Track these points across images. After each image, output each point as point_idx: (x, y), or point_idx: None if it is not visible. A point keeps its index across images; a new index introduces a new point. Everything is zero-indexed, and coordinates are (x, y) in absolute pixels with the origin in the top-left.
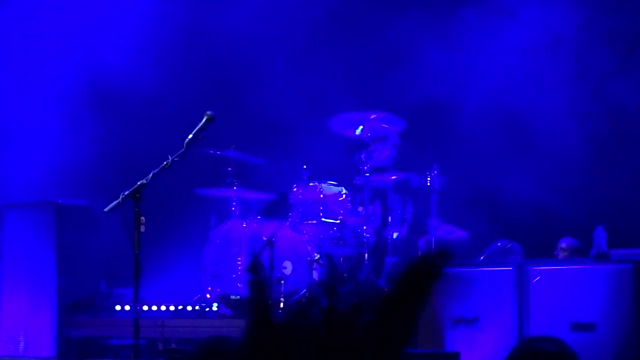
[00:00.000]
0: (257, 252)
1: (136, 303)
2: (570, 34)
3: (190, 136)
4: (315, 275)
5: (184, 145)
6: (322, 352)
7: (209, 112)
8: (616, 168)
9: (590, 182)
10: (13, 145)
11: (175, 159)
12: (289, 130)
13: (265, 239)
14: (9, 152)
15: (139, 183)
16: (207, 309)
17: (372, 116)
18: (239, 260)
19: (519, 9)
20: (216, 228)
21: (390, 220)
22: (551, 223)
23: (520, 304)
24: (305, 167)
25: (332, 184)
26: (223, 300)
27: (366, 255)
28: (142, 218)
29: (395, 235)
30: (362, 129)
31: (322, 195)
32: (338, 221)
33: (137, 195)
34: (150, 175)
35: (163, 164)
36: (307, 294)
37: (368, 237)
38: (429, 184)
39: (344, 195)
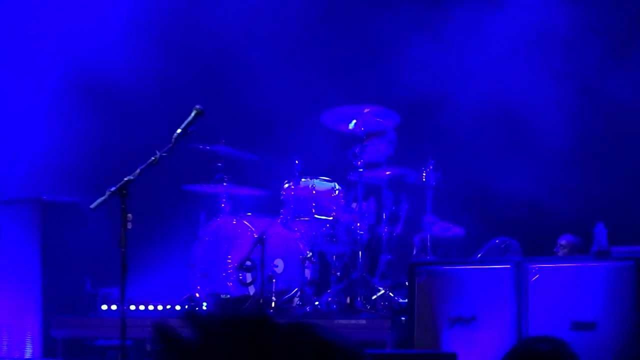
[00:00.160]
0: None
1: (123, 303)
2: (563, 27)
3: (179, 130)
4: (307, 273)
5: (173, 139)
6: None
7: (198, 106)
8: (615, 163)
9: (590, 177)
10: None
11: (164, 154)
12: (281, 125)
13: (256, 236)
14: None
15: (125, 179)
16: (197, 309)
17: (366, 110)
18: (229, 259)
19: (511, 2)
20: (205, 225)
21: (384, 217)
22: (550, 219)
23: (519, 303)
24: (297, 162)
25: (325, 180)
26: (213, 300)
27: (360, 253)
28: (129, 215)
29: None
30: (355, 123)
31: (314, 192)
32: (331, 218)
33: (124, 191)
34: (138, 170)
35: (151, 159)
36: (298, 292)
37: (362, 234)
38: (424, 179)
39: (337, 192)
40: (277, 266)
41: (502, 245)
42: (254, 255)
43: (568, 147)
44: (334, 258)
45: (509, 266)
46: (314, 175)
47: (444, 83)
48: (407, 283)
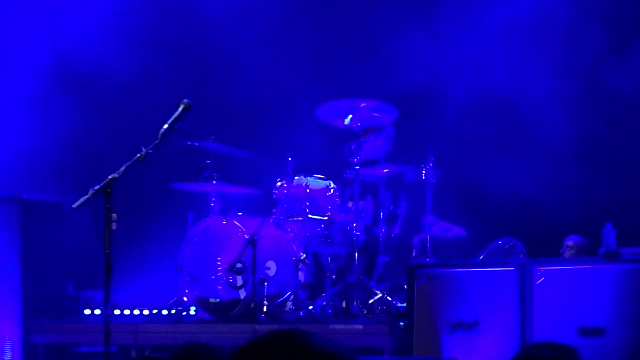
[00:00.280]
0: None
1: (107, 307)
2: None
3: (166, 126)
4: (301, 276)
5: (159, 135)
6: None
7: (185, 100)
8: (623, 161)
9: (598, 175)
10: None
11: (150, 151)
12: (273, 120)
13: (247, 237)
14: None
15: (110, 177)
16: (184, 313)
17: (363, 104)
18: (218, 261)
19: None
20: (194, 225)
21: (382, 216)
22: (556, 219)
23: (523, 307)
24: (290, 159)
25: (319, 178)
26: (201, 304)
27: (356, 254)
28: (114, 215)
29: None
30: (351, 118)
31: (308, 190)
32: (326, 218)
33: (108, 190)
34: (123, 168)
35: (136, 156)
36: (291, 296)
37: (358, 235)
38: (423, 177)
39: (332, 190)
40: (269, 268)
41: (506, 247)
42: (245, 257)
43: (574, 143)
44: (329, 260)
45: (512, 268)
46: (308, 173)
47: (444, 76)
48: (405, 286)
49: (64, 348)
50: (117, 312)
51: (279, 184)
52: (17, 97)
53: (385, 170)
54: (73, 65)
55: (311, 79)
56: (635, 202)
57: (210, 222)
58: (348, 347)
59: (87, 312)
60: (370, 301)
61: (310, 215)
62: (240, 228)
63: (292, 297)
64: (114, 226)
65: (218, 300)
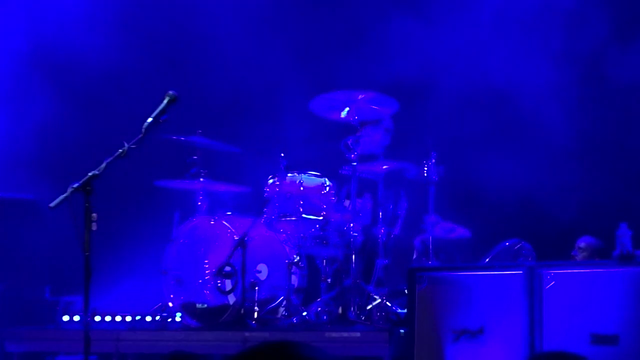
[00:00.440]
0: (228, 254)
1: (87, 313)
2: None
3: (150, 119)
4: (294, 280)
5: (143, 130)
6: None
7: (171, 92)
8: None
9: (610, 174)
10: None
11: (133, 146)
12: (264, 113)
13: (236, 238)
14: None
15: (90, 174)
16: (169, 320)
17: (360, 96)
18: (206, 263)
19: None
20: (180, 226)
21: (380, 216)
22: (568, 219)
23: (532, 314)
24: (282, 155)
25: (314, 175)
26: (188, 310)
27: (353, 257)
28: (94, 215)
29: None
30: (348, 111)
31: (302, 188)
32: (321, 218)
33: (88, 188)
34: (104, 164)
35: (118, 152)
36: (284, 301)
37: (355, 236)
38: (425, 174)
39: (327, 188)
40: (260, 272)
41: (513, 249)
42: (234, 259)
43: (585, 140)
44: (324, 263)
45: (520, 272)
46: (302, 170)
47: (446, 67)
48: (406, 291)
49: (41, 357)
50: (97, 318)
51: (270, 181)
52: None
53: (384, 167)
54: (51, 53)
55: (305, 69)
56: None
57: (197, 222)
58: (344, 357)
59: (66, 318)
60: (369, 307)
61: (304, 215)
62: (229, 228)
63: (284, 302)
64: (94, 227)
65: (205, 306)
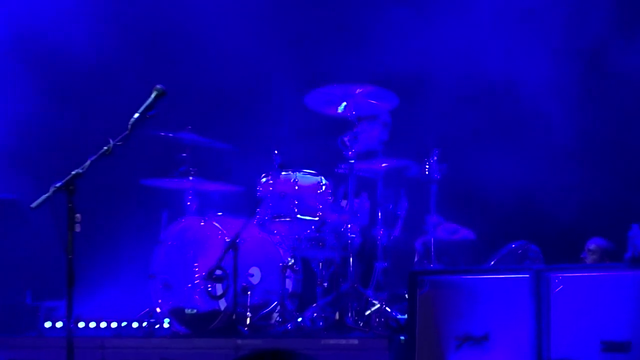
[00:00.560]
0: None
1: (70, 319)
2: None
3: (137, 115)
4: (288, 284)
5: (129, 126)
6: None
7: (159, 86)
8: None
9: (624, 174)
10: None
11: (118, 143)
12: (257, 108)
13: (227, 240)
14: None
15: (73, 173)
16: (157, 327)
17: (358, 90)
18: (195, 267)
19: None
20: (168, 227)
21: (380, 217)
22: (577, 220)
23: (539, 319)
24: (276, 152)
25: (309, 173)
26: (176, 316)
27: (351, 259)
28: (78, 215)
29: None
30: (345, 106)
31: (297, 187)
32: (316, 218)
33: (71, 187)
34: (88, 163)
35: (103, 150)
36: (278, 307)
37: (353, 237)
38: (427, 172)
39: (323, 187)
40: (252, 275)
41: (520, 251)
42: (226, 262)
43: (595, 140)
44: (320, 266)
45: (527, 275)
46: (297, 168)
47: (449, 60)
48: (406, 295)
49: None
50: (81, 325)
51: (263, 180)
52: None
53: (383, 165)
54: (33, 45)
55: (300, 62)
56: None
57: (187, 223)
58: None
59: (48, 325)
60: (367, 312)
61: (299, 216)
62: (220, 230)
63: (278, 308)
64: (77, 228)
65: (195, 311)
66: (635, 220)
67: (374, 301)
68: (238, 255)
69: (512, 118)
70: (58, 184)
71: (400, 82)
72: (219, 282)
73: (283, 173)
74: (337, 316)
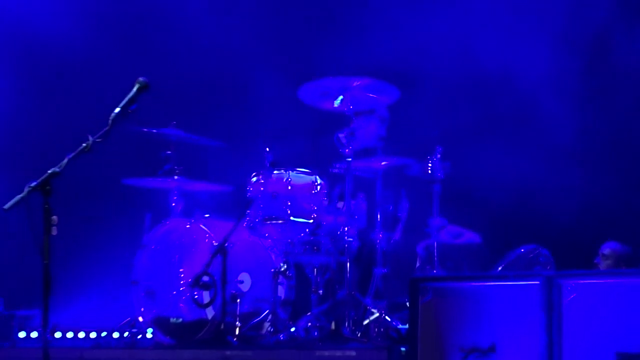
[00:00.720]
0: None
1: (46, 329)
2: None
3: (118, 110)
4: (281, 291)
5: (109, 121)
6: None
7: (141, 79)
8: None
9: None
10: None
11: (98, 140)
12: (247, 102)
13: (215, 244)
14: None
15: (49, 172)
16: (139, 337)
17: (356, 83)
18: (181, 273)
19: None
20: (151, 230)
21: (379, 219)
22: (590, 223)
23: (550, 330)
24: (267, 149)
25: (303, 172)
26: (160, 325)
27: (348, 265)
28: (54, 217)
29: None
30: (342, 100)
31: (290, 187)
32: (311, 221)
33: (48, 187)
34: (65, 161)
35: (81, 147)
36: (269, 316)
37: (350, 241)
38: (429, 171)
39: (318, 187)
40: (242, 282)
41: (529, 256)
42: (213, 268)
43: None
44: (315, 272)
45: (537, 282)
46: (290, 167)
47: (453, 52)
48: (408, 304)
49: None
50: (58, 335)
51: (254, 179)
52: None
53: (383, 163)
54: (9, 37)
55: (293, 53)
56: None
57: (171, 226)
58: None
59: (22, 335)
60: (365, 322)
61: (292, 218)
62: (207, 233)
63: (270, 317)
64: (54, 231)
65: (180, 320)
66: None
67: (372, 310)
68: (227, 261)
69: (522, 114)
70: (33, 184)
71: (400, 75)
72: (206, 289)
73: (275, 172)
74: (333, 326)
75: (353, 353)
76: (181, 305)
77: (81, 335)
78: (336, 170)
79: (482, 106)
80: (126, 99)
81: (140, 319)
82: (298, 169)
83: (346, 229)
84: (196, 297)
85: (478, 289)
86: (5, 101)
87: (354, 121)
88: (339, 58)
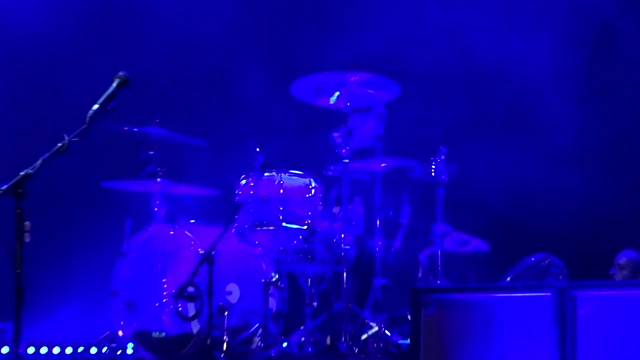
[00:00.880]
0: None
1: (18, 343)
2: None
3: (96, 107)
4: (272, 303)
5: (87, 119)
6: None
7: (121, 73)
8: None
9: None
10: None
11: (75, 139)
12: (236, 99)
13: (201, 252)
14: None
15: (22, 173)
16: (119, 352)
17: (353, 78)
18: (164, 283)
19: None
20: (132, 236)
21: (378, 225)
22: (606, 230)
23: (563, 344)
24: (258, 150)
25: (296, 175)
26: (142, 340)
27: (345, 274)
28: (27, 223)
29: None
30: (338, 97)
31: (282, 191)
32: (305, 227)
33: (20, 190)
34: (39, 161)
35: (57, 147)
36: (259, 330)
37: (347, 249)
38: (433, 174)
39: (313, 190)
40: (230, 293)
41: (541, 265)
42: (199, 278)
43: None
44: (309, 282)
45: (549, 294)
46: (282, 168)
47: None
48: (409, 317)
49: None
50: (31, 350)
51: (243, 182)
52: None
53: (382, 165)
54: None
55: (285, 46)
56: None
57: (154, 232)
58: None
59: None
60: (364, 336)
61: (284, 224)
62: (192, 240)
63: (260, 331)
64: (27, 237)
65: (163, 335)
66: None
67: (371, 323)
68: (213, 270)
69: (532, 114)
70: (4, 187)
71: (401, 70)
72: (191, 301)
73: (266, 174)
74: (328, 341)
75: None
76: (164, 318)
77: (56, 350)
78: (332, 173)
79: (489, 105)
80: (105, 95)
81: (120, 333)
82: (291, 171)
83: (343, 236)
84: (180, 309)
85: (485, 301)
86: None
87: (351, 119)
88: (335, 51)
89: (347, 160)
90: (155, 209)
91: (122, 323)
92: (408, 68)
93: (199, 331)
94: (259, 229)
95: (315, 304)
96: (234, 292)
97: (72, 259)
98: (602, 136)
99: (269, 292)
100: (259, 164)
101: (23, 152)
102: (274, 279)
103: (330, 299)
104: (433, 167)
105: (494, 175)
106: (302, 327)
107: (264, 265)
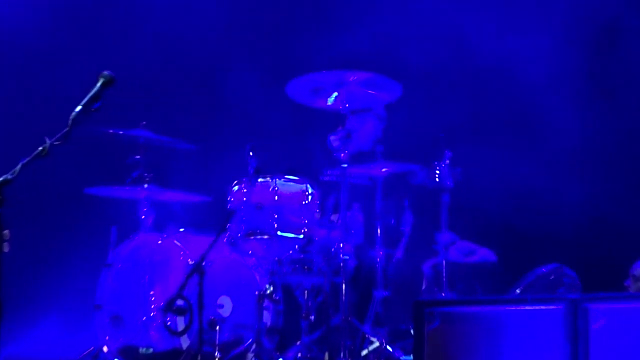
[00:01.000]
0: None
1: None
2: None
3: (79, 108)
4: (266, 317)
5: (70, 121)
6: None
7: (106, 73)
8: None
9: None
10: None
11: (56, 143)
12: (227, 100)
13: (191, 262)
14: None
15: (1, 179)
16: None
17: (352, 78)
18: (151, 295)
19: None
20: (118, 246)
21: (379, 234)
22: (620, 239)
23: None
24: (251, 154)
25: (292, 180)
26: (128, 356)
27: (344, 286)
28: (6, 232)
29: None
30: (336, 97)
31: (276, 197)
32: (301, 236)
33: None
34: (19, 166)
35: (37, 151)
36: (253, 345)
37: (346, 259)
38: (437, 179)
39: (309, 197)
40: (222, 306)
41: (552, 277)
42: (189, 290)
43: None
44: (306, 294)
45: (561, 307)
46: (276, 174)
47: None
48: (412, 331)
49: None
50: None
51: (235, 188)
52: None
53: (383, 170)
54: None
55: (280, 43)
56: None
57: (141, 242)
58: None
59: None
60: (364, 352)
61: (279, 232)
62: (181, 250)
63: (254, 346)
64: (5, 247)
65: (151, 350)
66: None
67: (371, 338)
68: (204, 282)
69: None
70: None
71: (403, 70)
72: (180, 315)
73: (260, 179)
74: (326, 357)
75: None
76: (152, 333)
77: None
78: (329, 178)
79: (494, 106)
80: (89, 96)
81: (105, 348)
82: (286, 177)
83: (341, 245)
84: (169, 323)
85: (493, 314)
86: None
87: (349, 121)
88: (333, 49)
89: (345, 165)
90: (142, 217)
91: (107, 338)
92: (409, 68)
93: (188, 347)
94: (252, 238)
95: (312, 317)
96: (225, 305)
97: (53, 270)
98: (615, 140)
99: (263, 305)
100: (252, 168)
101: (1, 156)
102: (268, 291)
103: (328, 312)
104: (437, 172)
105: (502, 181)
106: (298, 343)
107: (257, 277)
